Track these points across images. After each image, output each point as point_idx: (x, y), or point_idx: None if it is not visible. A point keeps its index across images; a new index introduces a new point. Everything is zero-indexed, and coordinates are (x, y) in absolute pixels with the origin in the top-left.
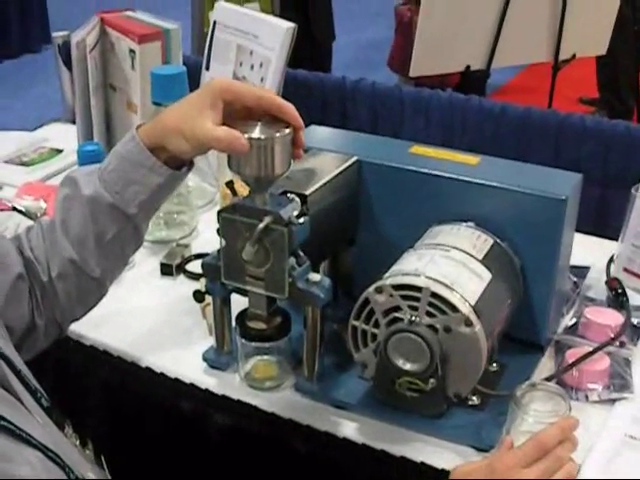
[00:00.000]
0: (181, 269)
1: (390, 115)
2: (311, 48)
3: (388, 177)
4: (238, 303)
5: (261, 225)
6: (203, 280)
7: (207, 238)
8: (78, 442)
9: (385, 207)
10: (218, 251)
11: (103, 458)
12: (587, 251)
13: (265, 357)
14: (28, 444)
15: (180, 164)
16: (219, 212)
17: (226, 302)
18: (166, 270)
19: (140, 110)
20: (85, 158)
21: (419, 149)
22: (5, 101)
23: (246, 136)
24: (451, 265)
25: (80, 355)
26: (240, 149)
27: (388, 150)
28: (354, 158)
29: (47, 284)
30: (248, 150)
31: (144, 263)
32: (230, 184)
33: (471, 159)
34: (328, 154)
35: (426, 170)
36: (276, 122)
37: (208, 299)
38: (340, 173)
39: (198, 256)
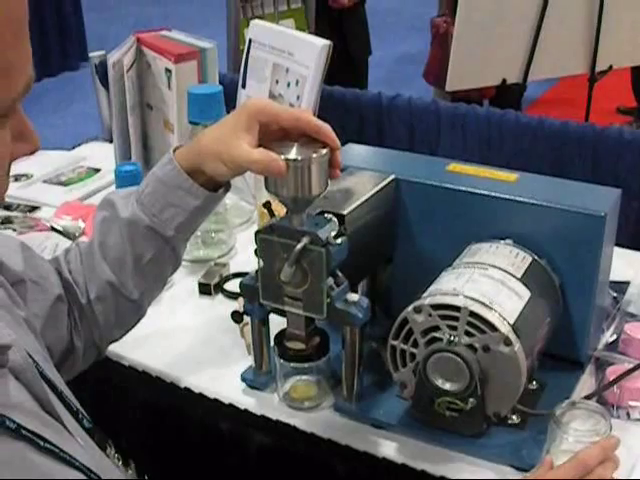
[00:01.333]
0: (219, 288)
1: (427, 131)
2: (347, 64)
3: (426, 195)
4: (277, 323)
5: (299, 246)
6: (241, 300)
7: (245, 256)
8: (120, 463)
9: (423, 225)
10: (256, 272)
11: (146, 478)
12: (627, 265)
13: (304, 377)
14: (71, 466)
15: (217, 186)
16: (256, 233)
17: (264, 322)
18: (204, 289)
19: (177, 129)
20: (123, 178)
21: (456, 167)
22: (45, 119)
23: (283, 157)
24: (490, 284)
25: (119, 375)
26: (277, 171)
27: (425, 168)
28: (391, 177)
29: (86, 306)
30: (285, 172)
31: (182, 283)
32: (267, 205)
33: (509, 176)
34: (365, 173)
35: (464, 188)
36: (313, 142)
37: (246, 319)
38: (377, 192)
39: (236, 275)
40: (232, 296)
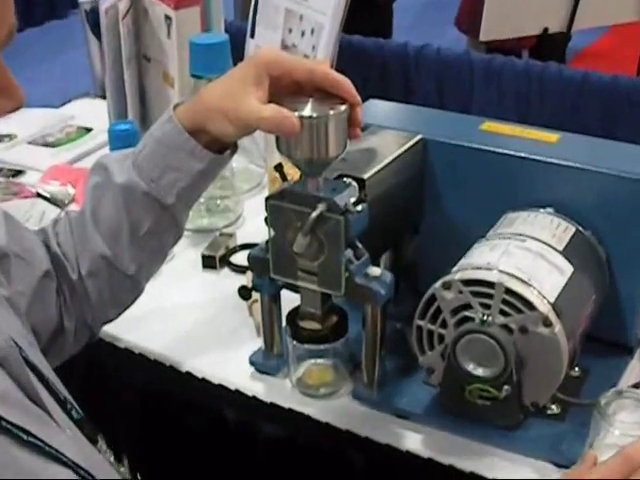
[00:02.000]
0: (225, 261)
1: (458, 86)
2: (369, 9)
3: (457, 157)
4: (289, 300)
5: (314, 214)
6: (250, 274)
7: (254, 226)
8: (112, 458)
9: (453, 191)
10: (266, 242)
11: (139, 476)
12: None
13: (319, 361)
14: (58, 462)
15: (223, 147)
16: (267, 199)
17: (276, 299)
18: (208, 263)
19: (177, 83)
20: (118, 138)
21: (492, 125)
22: (28, 73)
23: (296, 115)
24: (528, 257)
25: (114, 359)
26: (290, 130)
27: (457, 127)
28: (418, 136)
29: (77, 283)
30: (299, 131)
31: (183, 255)
32: (279, 168)
33: (550, 136)
34: (389, 132)
35: (499, 150)
36: (330, 98)
37: (255, 296)
38: (403, 153)
39: (244, 247)
40: (239, 270)
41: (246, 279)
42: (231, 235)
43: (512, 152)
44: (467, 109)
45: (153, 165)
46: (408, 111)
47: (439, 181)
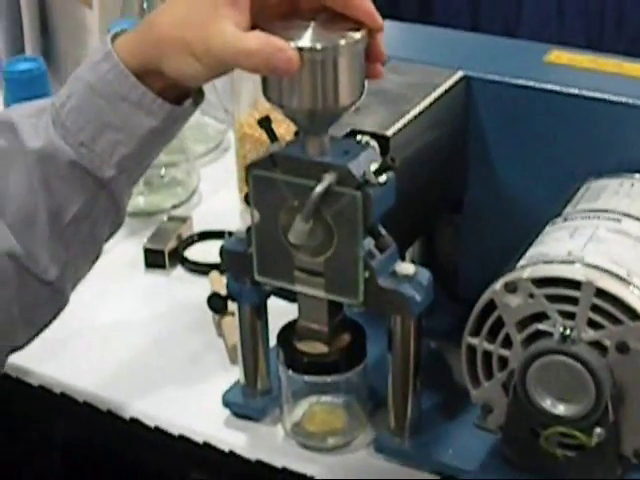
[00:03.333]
0: (178, 258)
1: None
2: None
3: (514, 103)
4: (280, 312)
5: (319, 187)
6: (216, 276)
7: (216, 205)
8: None
9: (510, 151)
10: (247, 230)
11: None
12: None
13: (325, 398)
14: None
15: (182, 95)
16: (248, 167)
17: (260, 312)
18: (154, 260)
19: (99, 2)
20: (16, 84)
21: (561, 55)
22: None
23: (293, 45)
24: (625, 244)
25: (25, 401)
26: (285, 67)
27: (512, 58)
28: (459, 73)
29: None
30: (297, 68)
31: (117, 249)
32: (265, 122)
33: None
34: (417, 68)
35: (576, 90)
36: (338, 21)
37: (231, 307)
38: (438, 99)
39: (205, 235)
40: (200, 270)
41: (210, 283)
42: (185, 219)
43: (597, 94)
44: (513, 30)
45: (83, 123)
46: (440, 36)
47: (490, 137)
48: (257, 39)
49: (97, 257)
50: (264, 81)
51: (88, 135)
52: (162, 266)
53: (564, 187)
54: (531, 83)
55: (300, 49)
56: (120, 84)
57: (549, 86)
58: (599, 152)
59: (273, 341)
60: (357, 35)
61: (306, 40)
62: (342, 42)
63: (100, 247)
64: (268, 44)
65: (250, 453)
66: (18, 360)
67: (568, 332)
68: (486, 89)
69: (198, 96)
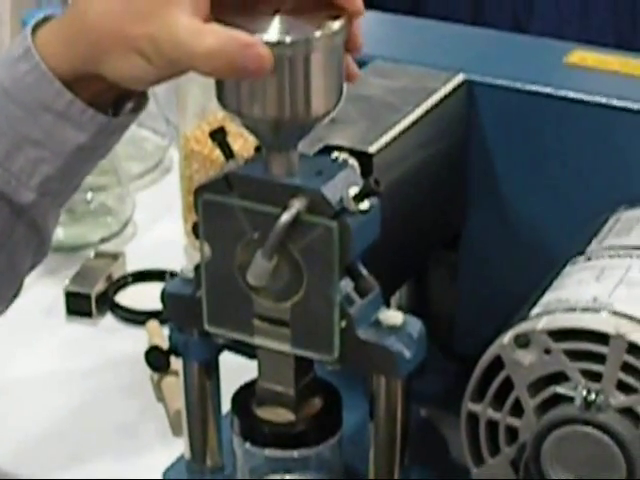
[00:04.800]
0: (108, 303)
1: None
2: None
3: (527, 113)
4: (235, 371)
5: (285, 216)
6: (156, 326)
7: (154, 239)
8: None
9: (521, 173)
10: (195, 269)
11: None
12: None
13: (290, 477)
14: None
15: (117, 99)
16: (197, 191)
17: (211, 370)
18: (78, 306)
19: None
20: None
21: (585, 56)
22: None
23: (260, 39)
24: None
25: None
26: (256, 66)
27: (524, 58)
28: (459, 77)
29: None
30: (270, 69)
31: (33, 292)
32: (219, 135)
33: None
34: (408, 70)
35: (604, 99)
36: (309, 8)
37: (174, 365)
38: (433, 108)
39: (140, 276)
40: (136, 318)
41: (148, 334)
42: (116, 256)
43: (629, 104)
44: (524, 26)
45: None
46: (435, 32)
47: (496, 155)
48: (217, 34)
49: (17, 293)
50: (218, 84)
51: (2, 151)
52: (88, 313)
53: (588, 218)
54: (548, 89)
55: (267, 43)
56: (42, 90)
57: (570, 93)
58: (632, 174)
59: (226, 407)
60: (335, 25)
61: (272, 33)
62: (317, 34)
63: (21, 280)
64: (232, 40)
65: None
66: None
67: (593, 397)
68: (492, 96)
69: (140, 101)
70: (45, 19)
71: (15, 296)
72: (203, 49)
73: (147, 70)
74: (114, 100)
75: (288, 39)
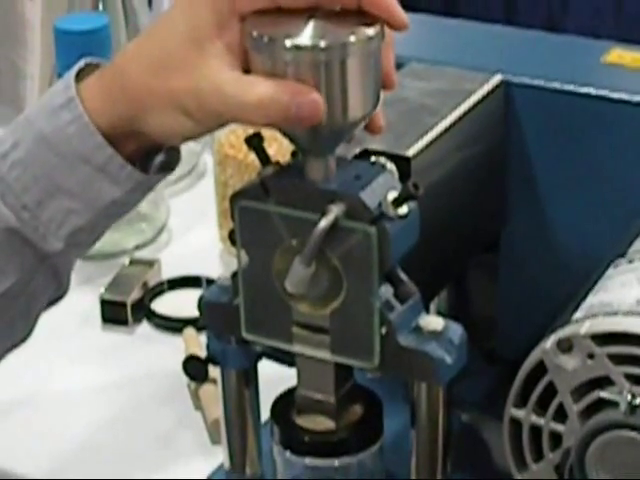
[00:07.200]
0: (144, 311)
1: None
2: None
3: (565, 114)
4: (274, 379)
5: (323, 222)
6: (193, 334)
7: (190, 245)
8: None
9: (560, 175)
10: (233, 276)
11: None
12: None
13: None
14: None
15: (150, 154)
16: (233, 197)
17: (249, 378)
18: (113, 314)
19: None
20: None
21: (623, 55)
22: None
23: (289, 44)
24: None
25: None
26: (311, 114)
27: (560, 58)
28: (496, 77)
29: None
30: (322, 114)
31: (68, 301)
32: (255, 141)
33: None
34: (443, 72)
35: None
36: (345, 14)
37: (212, 373)
38: (471, 110)
39: (176, 283)
40: (172, 326)
41: (185, 342)
42: (151, 263)
43: None
44: (558, 24)
45: (30, 182)
46: (471, 32)
47: (535, 157)
48: (265, 84)
49: (29, 333)
50: None
51: (34, 198)
52: (124, 322)
53: (629, 220)
54: (586, 89)
55: (298, 48)
56: (83, 141)
57: (609, 93)
58: None
59: (265, 415)
60: (371, 30)
61: (306, 37)
62: (352, 39)
63: (33, 324)
64: (281, 90)
65: None
66: None
67: (638, 401)
68: (530, 97)
69: (173, 158)
70: (89, 66)
71: (27, 337)
72: (254, 100)
73: (186, 125)
74: (144, 155)
75: (322, 43)
